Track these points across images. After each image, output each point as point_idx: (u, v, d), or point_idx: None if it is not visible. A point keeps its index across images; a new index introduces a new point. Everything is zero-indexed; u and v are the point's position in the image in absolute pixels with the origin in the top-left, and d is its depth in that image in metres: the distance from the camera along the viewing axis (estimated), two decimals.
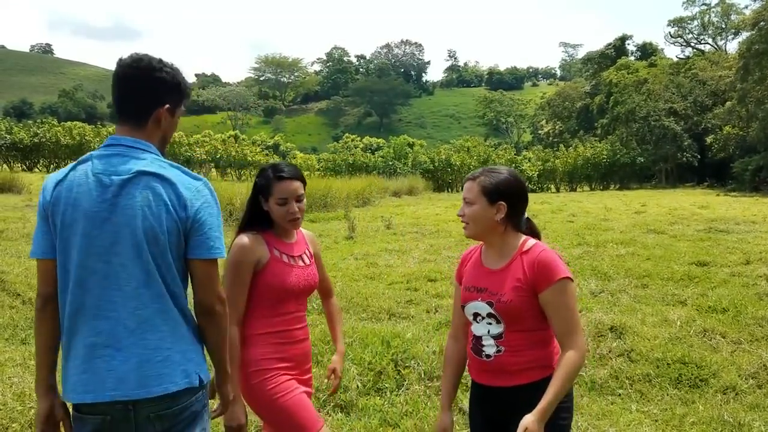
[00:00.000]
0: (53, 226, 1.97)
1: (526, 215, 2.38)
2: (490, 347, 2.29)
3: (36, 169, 39.84)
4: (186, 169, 2.04)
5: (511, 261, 2.28)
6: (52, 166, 40.79)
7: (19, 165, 39.71)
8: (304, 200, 2.63)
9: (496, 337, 2.27)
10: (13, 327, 5.60)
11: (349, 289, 7.39)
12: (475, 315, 2.32)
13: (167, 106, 2.03)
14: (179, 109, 2.11)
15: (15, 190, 19.63)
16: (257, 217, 2.62)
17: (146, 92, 2.01)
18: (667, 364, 4.88)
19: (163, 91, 2.02)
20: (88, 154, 2.02)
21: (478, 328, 2.32)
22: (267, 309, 2.56)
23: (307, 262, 2.69)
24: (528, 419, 2.06)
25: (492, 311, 2.26)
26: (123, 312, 1.91)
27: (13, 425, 3.60)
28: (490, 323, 2.29)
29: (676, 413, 4.19)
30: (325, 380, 3.01)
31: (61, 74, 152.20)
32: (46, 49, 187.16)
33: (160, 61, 2.04)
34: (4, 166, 37.54)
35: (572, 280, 2.20)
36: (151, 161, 1.98)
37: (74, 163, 2.03)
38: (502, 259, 2.31)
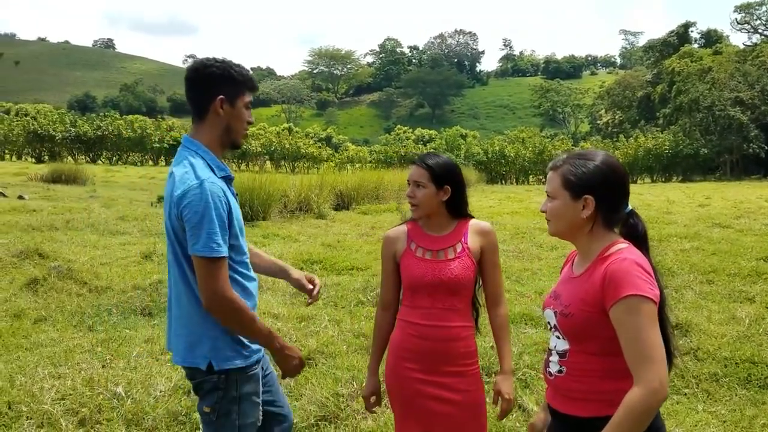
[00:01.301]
0: None
1: (630, 208, 1.97)
2: (553, 364, 1.99)
3: (99, 161, 41.22)
4: (199, 169, 2.11)
5: (590, 267, 1.91)
6: (114, 158, 42.19)
7: (83, 157, 41.19)
8: (427, 190, 2.51)
9: (561, 355, 1.96)
10: (80, 314, 5.74)
11: None
12: (548, 324, 2.04)
13: (221, 97, 2.19)
14: (240, 98, 2.24)
15: (80, 182, 20.39)
16: None
17: (200, 89, 2.21)
18: (736, 363, 4.70)
19: (215, 85, 2.19)
20: None
21: (551, 340, 2.04)
22: (407, 299, 2.58)
23: (451, 256, 2.51)
24: None
25: (556, 323, 1.97)
26: (171, 286, 2.25)
27: (83, 410, 3.71)
28: (558, 337, 1.98)
29: (745, 414, 4.03)
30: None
31: (122, 68, 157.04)
32: (108, 44, 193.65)
33: (213, 59, 2.22)
34: (69, 158, 38.98)
35: (650, 300, 1.74)
36: (181, 159, 2.18)
37: None
38: (585, 264, 1.95)
